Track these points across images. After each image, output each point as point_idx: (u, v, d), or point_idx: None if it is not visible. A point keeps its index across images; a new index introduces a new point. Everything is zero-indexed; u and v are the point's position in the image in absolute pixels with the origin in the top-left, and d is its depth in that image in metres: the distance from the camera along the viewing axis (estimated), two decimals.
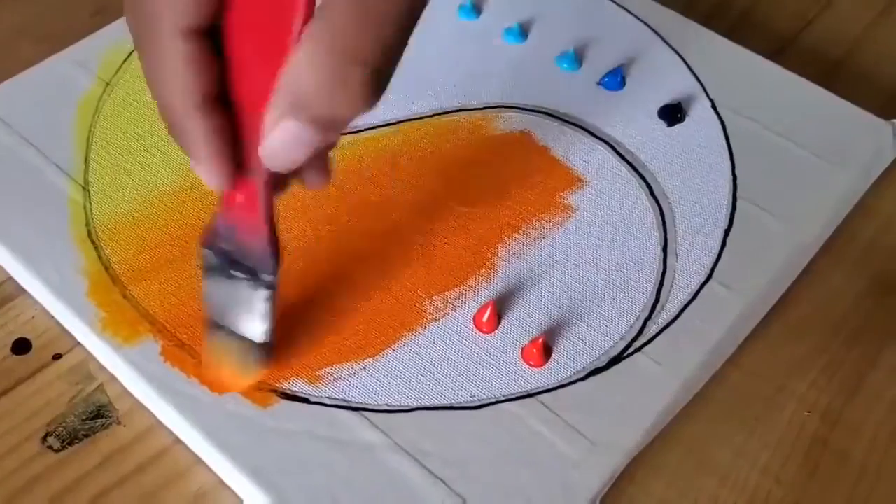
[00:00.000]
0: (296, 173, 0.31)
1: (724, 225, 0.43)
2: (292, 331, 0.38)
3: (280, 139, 0.27)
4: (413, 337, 0.38)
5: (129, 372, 0.37)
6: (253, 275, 0.33)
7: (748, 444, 0.38)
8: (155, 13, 0.27)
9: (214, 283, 0.34)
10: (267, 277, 0.33)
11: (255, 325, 0.34)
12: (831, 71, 0.53)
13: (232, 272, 0.33)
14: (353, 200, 0.43)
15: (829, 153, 0.46)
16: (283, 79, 0.26)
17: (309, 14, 0.26)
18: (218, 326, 0.35)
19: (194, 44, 0.27)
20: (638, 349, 0.38)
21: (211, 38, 0.28)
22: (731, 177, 0.45)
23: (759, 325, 0.41)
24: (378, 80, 0.26)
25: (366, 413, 0.36)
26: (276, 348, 0.36)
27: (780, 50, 0.54)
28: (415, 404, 0.36)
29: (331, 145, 0.30)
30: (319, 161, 0.31)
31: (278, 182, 0.30)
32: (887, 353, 0.41)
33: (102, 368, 0.38)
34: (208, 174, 0.28)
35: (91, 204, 0.42)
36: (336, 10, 0.25)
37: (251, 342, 0.35)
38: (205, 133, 0.28)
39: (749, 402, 0.39)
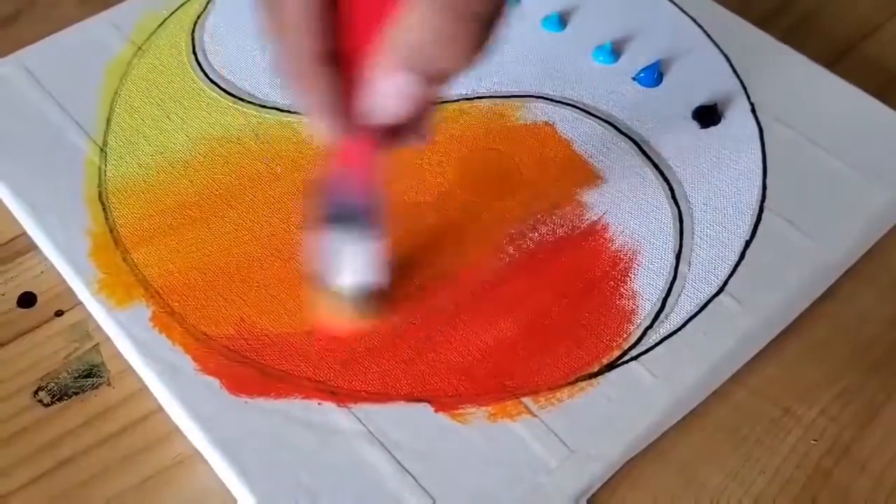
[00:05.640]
0: (397, 133, 0.31)
1: (746, 236, 0.40)
2: (279, 309, 0.38)
3: (388, 91, 0.27)
4: None
5: (118, 334, 0.37)
6: (358, 229, 0.33)
7: (743, 469, 0.36)
8: None
9: (327, 233, 0.34)
10: (370, 231, 0.33)
11: (362, 274, 0.34)
12: (890, 83, 0.50)
13: (340, 225, 0.33)
14: None
15: (870, 169, 0.43)
16: (392, 33, 0.26)
17: None
18: (329, 276, 0.35)
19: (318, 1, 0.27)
20: (634, 358, 0.36)
21: None
22: (760, 186, 0.42)
23: (774, 343, 0.39)
24: (486, 33, 0.26)
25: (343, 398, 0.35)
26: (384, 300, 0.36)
27: (839, 58, 0.51)
28: (394, 394, 0.35)
29: (433, 101, 0.30)
30: (421, 120, 0.31)
31: (382, 140, 0.30)
32: None
33: (100, 329, 0.39)
34: (325, 124, 0.29)
35: (106, 165, 0.42)
36: None
37: (360, 291, 0.35)
38: (326, 85, 0.28)
39: (751, 424, 0.37)
